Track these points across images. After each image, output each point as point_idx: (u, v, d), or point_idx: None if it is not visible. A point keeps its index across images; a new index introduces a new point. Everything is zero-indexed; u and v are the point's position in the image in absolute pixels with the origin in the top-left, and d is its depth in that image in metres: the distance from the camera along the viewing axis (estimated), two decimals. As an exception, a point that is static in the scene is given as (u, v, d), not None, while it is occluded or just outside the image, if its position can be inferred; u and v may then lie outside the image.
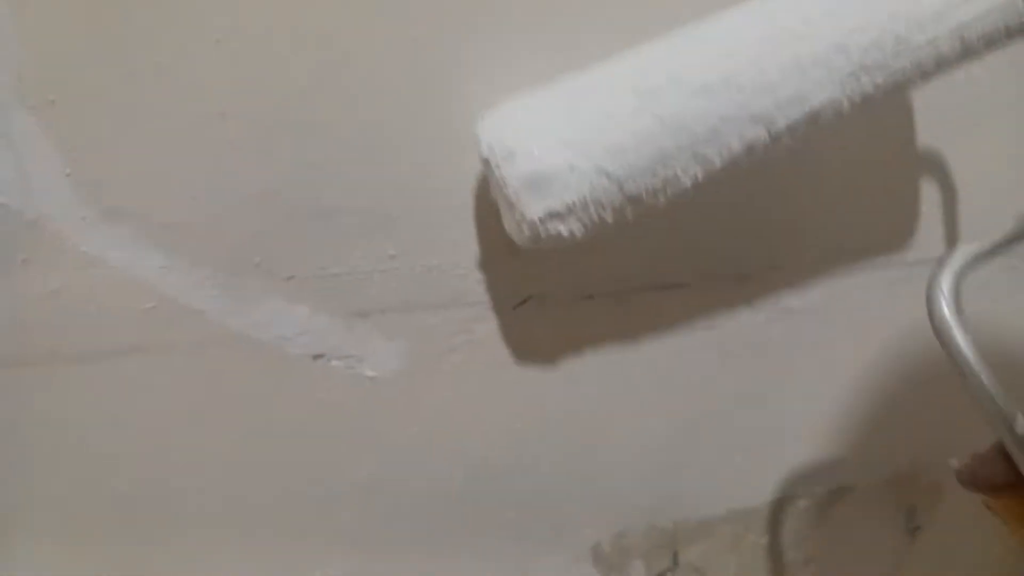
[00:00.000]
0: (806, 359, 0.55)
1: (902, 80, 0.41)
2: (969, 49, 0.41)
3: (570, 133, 0.39)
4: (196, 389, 0.45)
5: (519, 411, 0.52)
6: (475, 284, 0.49)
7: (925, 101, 0.51)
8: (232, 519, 0.48)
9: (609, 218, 0.40)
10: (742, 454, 0.57)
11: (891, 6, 0.40)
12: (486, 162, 0.40)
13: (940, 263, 0.37)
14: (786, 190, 0.51)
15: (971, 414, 0.35)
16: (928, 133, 0.52)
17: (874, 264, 0.54)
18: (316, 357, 0.47)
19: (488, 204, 0.46)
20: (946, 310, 0.35)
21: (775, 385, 0.56)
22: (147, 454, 0.46)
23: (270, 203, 0.44)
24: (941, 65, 0.41)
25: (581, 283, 0.50)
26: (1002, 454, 0.35)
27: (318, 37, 0.42)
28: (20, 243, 0.41)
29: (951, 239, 0.54)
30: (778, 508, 0.60)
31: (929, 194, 0.54)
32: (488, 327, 0.50)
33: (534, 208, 0.39)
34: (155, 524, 0.47)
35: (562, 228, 0.39)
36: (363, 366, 0.48)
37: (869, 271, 0.54)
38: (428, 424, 0.51)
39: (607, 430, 0.54)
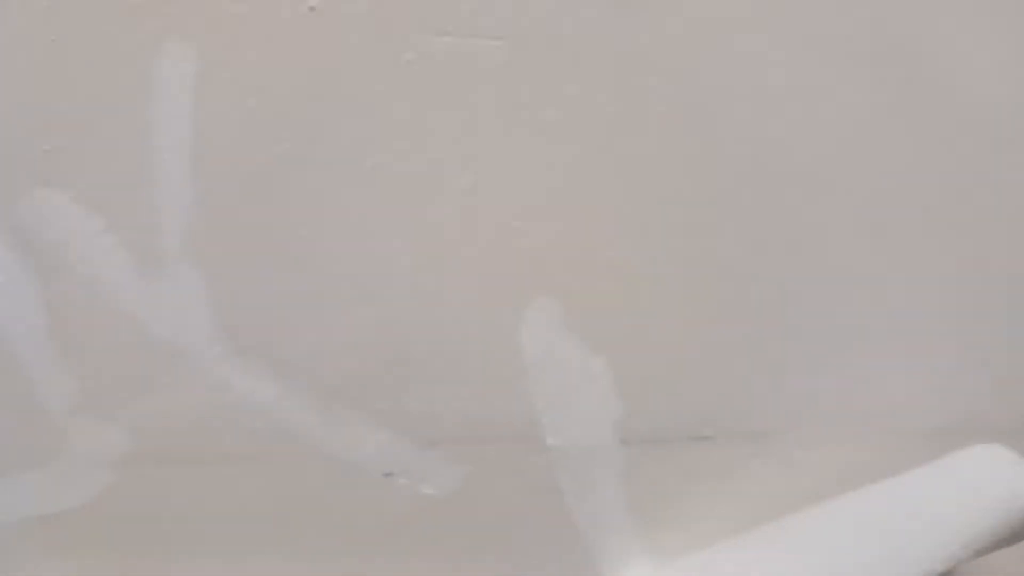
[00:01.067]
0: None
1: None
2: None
3: None
4: (288, 493, 0.54)
5: (549, 529, 0.60)
6: (528, 425, 0.57)
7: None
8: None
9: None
10: None
11: None
12: None
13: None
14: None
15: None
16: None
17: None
18: (387, 475, 0.55)
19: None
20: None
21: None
22: (241, 539, 0.54)
23: (368, 350, 0.52)
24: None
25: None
26: None
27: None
28: (166, 368, 0.49)
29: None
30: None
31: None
32: (533, 459, 0.58)
33: None
34: None
35: None
36: (424, 485, 0.56)
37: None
38: (470, 535, 0.59)
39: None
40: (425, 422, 0.55)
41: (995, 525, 0.57)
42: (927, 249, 0.61)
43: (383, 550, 0.57)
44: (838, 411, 0.63)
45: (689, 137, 0.54)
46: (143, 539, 0.52)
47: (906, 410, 0.65)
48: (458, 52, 0.49)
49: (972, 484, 0.59)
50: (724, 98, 0.54)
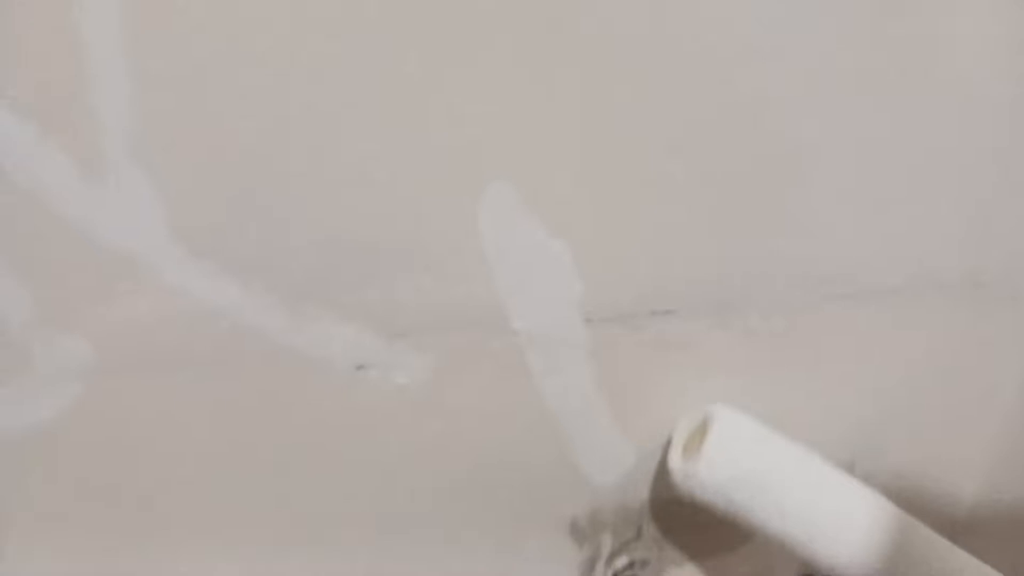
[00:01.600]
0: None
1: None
2: None
3: None
4: (259, 393, 0.54)
5: (520, 411, 0.62)
6: (493, 309, 0.57)
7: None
8: (280, 493, 0.57)
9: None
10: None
11: None
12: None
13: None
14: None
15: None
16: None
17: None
18: (359, 368, 0.56)
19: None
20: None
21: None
22: (213, 453, 0.54)
23: (330, 243, 0.52)
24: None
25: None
26: None
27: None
28: (122, 276, 0.48)
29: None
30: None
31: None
32: (500, 343, 0.59)
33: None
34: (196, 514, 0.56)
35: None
36: (397, 375, 0.57)
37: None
38: (443, 424, 0.60)
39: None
40: (392, 313, 0.55)
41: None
42: (873, 114, 0.61)
43: (360, 443, 0.58)
44: (796, 278, 0.64)
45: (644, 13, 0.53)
46: (117, 449, 0.52)
47: (862, 272, 0.66)
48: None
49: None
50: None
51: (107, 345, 0.49)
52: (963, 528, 0.77)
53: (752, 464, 0.61)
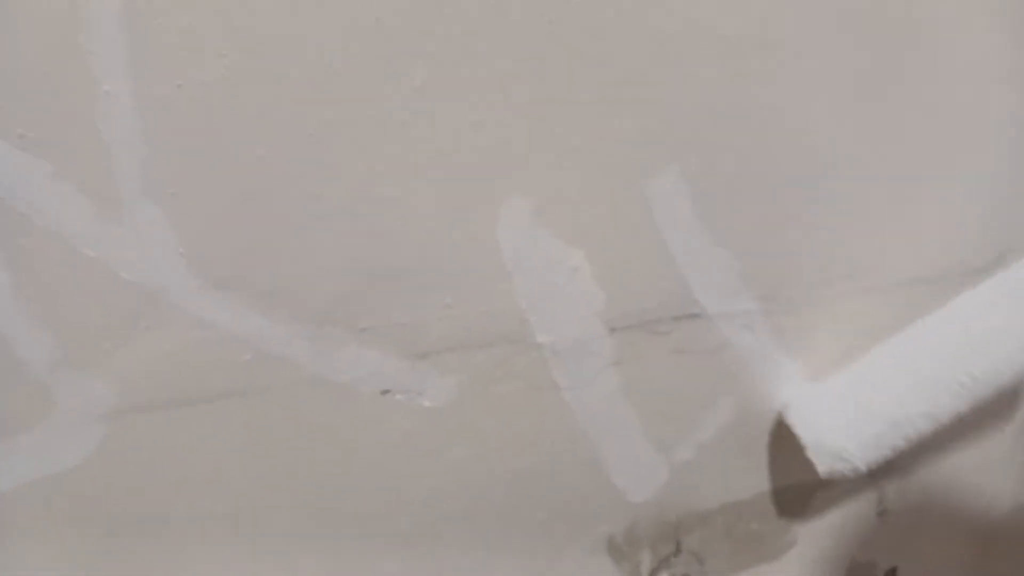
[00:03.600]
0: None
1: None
2: None
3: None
4: (287, 424, 0.53)
5: (550, 427, 0.61)
6: (516, 325, 0.57)
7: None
8: (315, 525, 0.56)
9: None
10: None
11: None
12: None
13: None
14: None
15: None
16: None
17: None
18: (384, 393, 0.55)
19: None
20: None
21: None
22: (245, 475, 0.54)
23: (350, 269, 0.51)
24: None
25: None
26: None
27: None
28: (142, 312, 0.47)
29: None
30: (765, 498, 0.70)
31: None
32: (525, 359, 0.58)
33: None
34: (247, 528, 0.55)
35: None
36: (422, 398, 0.56)
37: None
38: (472, 445, 0.59)
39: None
40: (414, 335, 0.55)
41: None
42: (885, 112, 0.61)
43: (390, 468, 0.57)
44: (820, 274, 0.64)
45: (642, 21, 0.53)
46: (144, 487, 0.52)
47: (884, 265, 0.65)
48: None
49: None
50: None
51: (131, 383, 0.49)
52: (999, 532, 0.75)
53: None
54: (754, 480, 0.69)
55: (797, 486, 0.70)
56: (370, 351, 0.54)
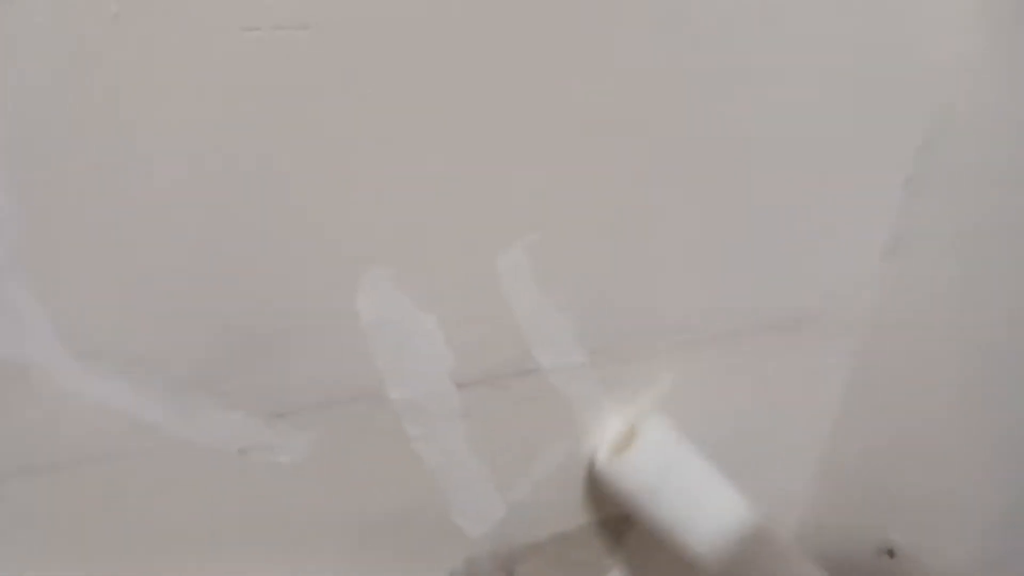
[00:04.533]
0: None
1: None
2: None
3: None
4: (151, 487, 0.55)
5: (399, 475, 0.66)
6: (372, 383, 0.61)
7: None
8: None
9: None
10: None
11: None
12: None
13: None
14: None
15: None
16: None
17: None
18: (241, 451, 0.58)
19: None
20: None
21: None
22: (112, 547, 0.55)
23: (214, 333, 0.54)
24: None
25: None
26: None
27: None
28: (13, 386, 0.48)
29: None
30: (588, 529, 0.78)
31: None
32: (379, 414, 0.63)
33: None
34: None
35: None
36: (279, 454, 0.60)
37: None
38: (327, 494, 0.63)
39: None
40: (273, 395, 0.58)
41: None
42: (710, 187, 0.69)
43: (252, 521, 0.60)
44: (646, 329, 0.72)
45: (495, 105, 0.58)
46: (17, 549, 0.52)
47: (704, 320, 0.75)
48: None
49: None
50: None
51: (3, 453, 0.49)
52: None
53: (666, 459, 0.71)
54: (580, 513, 0.77)
55: (612, 519, 0.78)
56: (231, 413, 0.57)
